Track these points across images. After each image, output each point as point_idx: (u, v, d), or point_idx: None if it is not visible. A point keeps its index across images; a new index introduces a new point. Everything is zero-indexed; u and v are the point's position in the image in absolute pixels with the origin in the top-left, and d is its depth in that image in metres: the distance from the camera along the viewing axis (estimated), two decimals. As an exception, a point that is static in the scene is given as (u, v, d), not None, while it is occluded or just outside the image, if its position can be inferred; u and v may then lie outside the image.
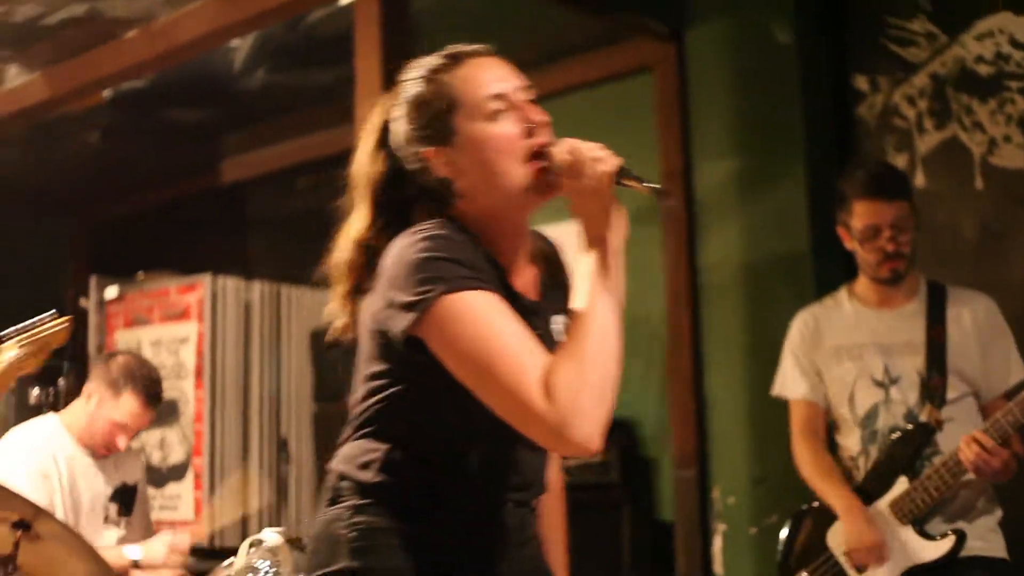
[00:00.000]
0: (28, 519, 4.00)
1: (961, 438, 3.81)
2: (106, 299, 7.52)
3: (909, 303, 4.11)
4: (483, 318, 2.22)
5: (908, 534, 3.91)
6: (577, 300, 2.26)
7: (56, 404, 6.80)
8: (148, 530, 5.32)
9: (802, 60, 5.40)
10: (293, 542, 3.23)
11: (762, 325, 5.20)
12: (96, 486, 5.04)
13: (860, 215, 4.06)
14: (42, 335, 3.40)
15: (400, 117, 2.45)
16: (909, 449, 3.95)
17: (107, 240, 8.76)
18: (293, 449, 6.93)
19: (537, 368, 2.17)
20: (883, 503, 3.95)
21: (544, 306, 2.49)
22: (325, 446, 6.70)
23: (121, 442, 4.97)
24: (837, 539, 4.04)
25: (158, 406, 5.07)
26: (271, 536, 3.03)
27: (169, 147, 7.94)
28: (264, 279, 7.27)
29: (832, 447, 4.24)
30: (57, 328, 3.45)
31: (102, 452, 5.00)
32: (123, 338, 7.36)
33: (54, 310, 3.51)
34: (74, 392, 6.96)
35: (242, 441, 6.96)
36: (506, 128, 2.36)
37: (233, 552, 6.27)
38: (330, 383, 6.74)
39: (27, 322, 3.42)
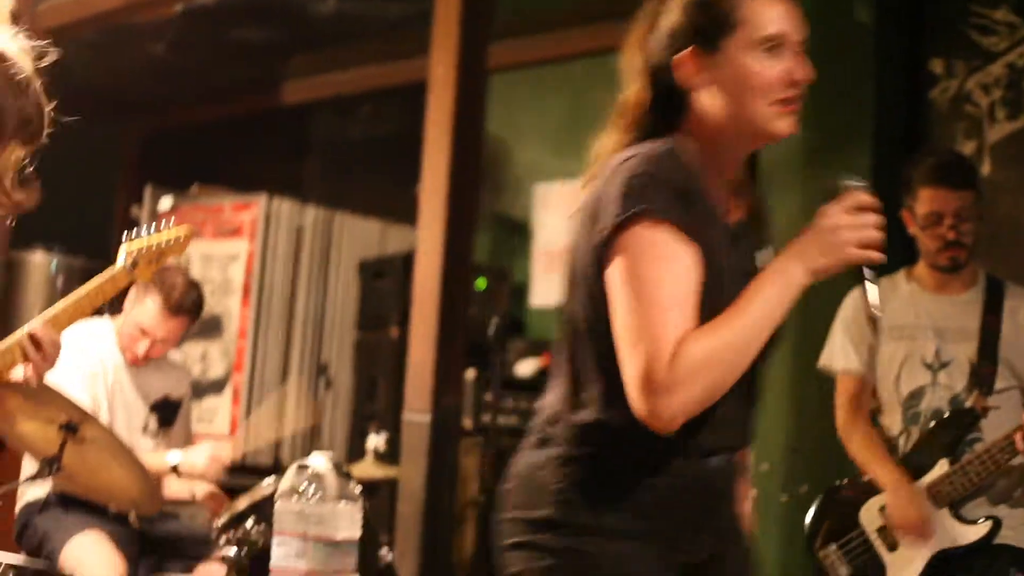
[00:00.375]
0: (76, 422, 4.06)
1: None
2: (160, 210, 7.56)
3: (966, 292, 4.13)
4: (664, 258, 2.20)
5: (943, 517, 3.94)
6: (751, 292, 2.23)
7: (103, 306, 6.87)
8: (187, 444, 5.38)
9: (879, 38, 5.37)
10: (337, 468, 3.25)
11: (813, 298, 5.17)
12: (137, 394, 5.09)
13: (924, 201, 4.07)
14: (159, 244, 3.39)
15: (676, 10, 2.40)
16: (952, 433, 3.98)
17: (162, 151, 8.80)
18: (333, 375, 6.98)
19: (679, 328, 2.16)
20: (921, 484, 3.97)
21: (746, 234, 2.45)
22: (364, 374, 6.75)
23: (141, 347, 4.99)
24: (870, 516, 4.07)
25: (185, 317, 5.06)
26: (319, 461, 3.05)
27: (234, 64, 7.96)
28: (317, 204, 7.29)
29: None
30: (176, 239, 3.44)
31: (131, 358, 5.05)
32: (173, 250, 7.41)
33: (173, 218, 3.51)
34: (123, 295, 7.04)
35: (283, 362, 7.01)
36: (772, 68, 2.34)
37: (264, 470, 6.36)
38: (373, 312, 6.77)
39: (146, 228, 3.41)
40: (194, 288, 5.08)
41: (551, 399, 2.44)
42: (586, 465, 2.33)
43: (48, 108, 2.68)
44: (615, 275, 2.22)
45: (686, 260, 2.22)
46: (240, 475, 6.62)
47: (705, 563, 2.41)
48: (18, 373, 3.12)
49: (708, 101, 2.36)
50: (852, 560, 4.07)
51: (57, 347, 3.16)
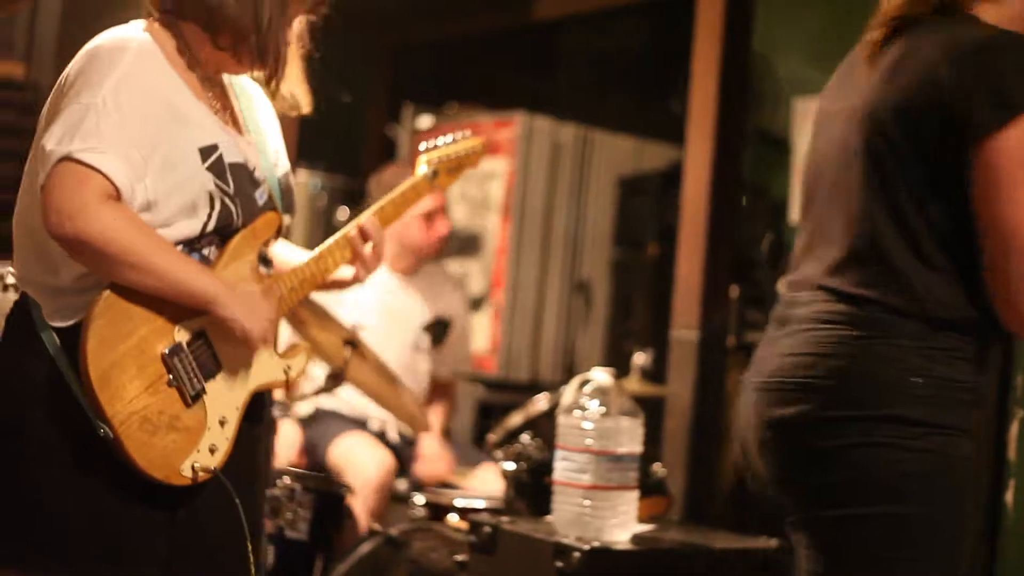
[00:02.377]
0: (355, 340, 4.15)
1: None
2: (419, 128, 7.63)
3: None
4: None
5: None
6: None
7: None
8: (464, 361, 5.46)
9: None
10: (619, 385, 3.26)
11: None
12: (410, 315, 5.19)
13: None
14: (457, 154, 3.39)
15: None
16: None
17: (412, 67, 8.81)
18: (592, 293, 7.00)
19: None
20: None
21: None
22: (620, 292, 6.76)
23: (442, 227, 5.11)
24: None
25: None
26: (601, 376, 3.08)
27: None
28: (573, 121, 7.27)
29: None
30: (474, 150, 3.43)
31: (432, 252, 5.16)
32: (431, 168, 7.48)
33: (468, 131, 3.49)
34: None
35: (540, 279, 7.05)
36: None
37: (522, 387, 6.43)
38: (630, 230, 6.75)
39: (441, 139, 3.39)
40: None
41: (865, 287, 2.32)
42: (942, 362, 2.25)
43: None
44: (1008, 178, 2.10)
45: None
46: (499, 391, 6.73)
47: None
48: (344, 272, 3.03)
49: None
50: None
51: (383, 242, 3.05)
